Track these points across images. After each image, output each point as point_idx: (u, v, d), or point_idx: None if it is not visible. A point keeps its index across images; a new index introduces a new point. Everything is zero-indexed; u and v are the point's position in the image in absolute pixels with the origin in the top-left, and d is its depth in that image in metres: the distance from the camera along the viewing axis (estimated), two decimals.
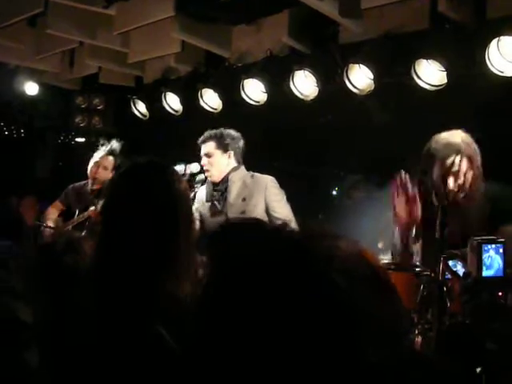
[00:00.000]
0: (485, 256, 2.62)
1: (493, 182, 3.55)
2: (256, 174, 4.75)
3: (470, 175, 3.42)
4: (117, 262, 1.91)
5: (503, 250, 2.65)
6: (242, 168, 4.79)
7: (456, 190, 3.38)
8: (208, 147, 4.71)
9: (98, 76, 7.34)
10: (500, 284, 2.65)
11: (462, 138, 3.46)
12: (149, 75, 7.05)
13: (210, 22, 5.85)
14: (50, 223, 5.77)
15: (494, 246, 2.65)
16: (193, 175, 4.67)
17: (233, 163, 4.74)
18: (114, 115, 7.80)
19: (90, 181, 5.73)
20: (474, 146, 3.48)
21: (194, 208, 4.75)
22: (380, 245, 5.05)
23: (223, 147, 4.70)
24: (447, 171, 3.38)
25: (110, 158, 5.75)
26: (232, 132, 4.77)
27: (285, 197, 4.68)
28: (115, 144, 5.80)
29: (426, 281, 3.02)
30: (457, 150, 3.39)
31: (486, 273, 2.61)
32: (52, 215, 5.88)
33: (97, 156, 5.75)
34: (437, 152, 3.42)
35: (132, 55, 6.48)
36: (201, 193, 4.82)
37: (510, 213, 3.27)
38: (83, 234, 5.21)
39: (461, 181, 3.38)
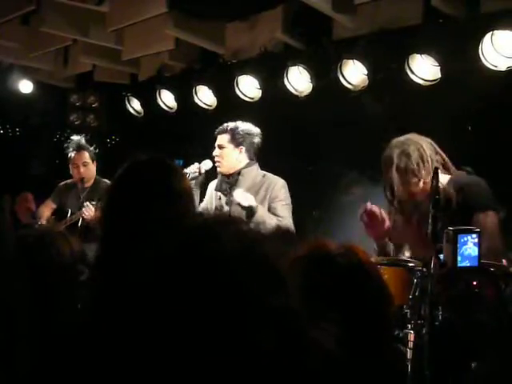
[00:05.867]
0: (460, 246, 2.66)
1: (465, 174, 3.62)
2: (268, 174, 4.77)
3: (412, 182, 3.58)
4: (119, 261, 1.90)
5: (478, 240, 2.69)
6: (256, 166, 4.80)
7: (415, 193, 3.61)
8: (222, 139, 4.74)
9: (93, 74, 7.33)
10: (475, 274, 2.69)
11: (397, 148, 3.62)
12: (143, 72, 7.04)
13: (204, 19, 5.83)
14: (43, 221, 5.74)
15: (469, 236, 2.68)
16: (207, 172, 4.70)
17: (244, 159, 4.75)
18: (108, 113, 7.78)
19: (78, 182, 5.72)
20: (416, 153, 3.59)
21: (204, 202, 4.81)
22: None
23: (236, 141, 4.71)
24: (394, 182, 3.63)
25: (84, 153, 5.74)
26: (249, 127, 4.77)
27: (289, 201, 4.69)
28: (77, 138, 5.79)
29: (418, 276, 3.01)
30: (390, 164, 3.60)
31: (461, 263, 2.65)
32: (44, 214, 5.86)
33: (71, 157, 5.74)
34: (382, 164, 3.69)
35: (126, 52, 6.47)
36: (212, 184, 4.86)
37: (478, 197, 3.36)
38: (77, 234, 5.21)
39: (411, 189, 3.60)
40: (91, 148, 5.83)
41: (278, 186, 4.66)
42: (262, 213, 4.46)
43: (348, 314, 1.46)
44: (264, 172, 4.79)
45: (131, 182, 2.06)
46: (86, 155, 5.74)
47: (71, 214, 5.64)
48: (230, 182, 4.71)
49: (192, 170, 4.63)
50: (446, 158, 3.67)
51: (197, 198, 4.55)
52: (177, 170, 2.16)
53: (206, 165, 4.71)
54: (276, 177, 4.74)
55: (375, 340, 1.48)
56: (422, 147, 3.60)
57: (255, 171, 4.76)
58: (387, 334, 1.54)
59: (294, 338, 0.93)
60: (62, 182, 6.00)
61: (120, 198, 2.06)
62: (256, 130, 4.79)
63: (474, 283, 2.72)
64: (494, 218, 3.43)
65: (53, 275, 1.94)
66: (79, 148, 5.74)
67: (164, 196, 2.00)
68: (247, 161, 4.76)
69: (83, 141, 5.80)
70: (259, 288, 0.89)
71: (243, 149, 4.73)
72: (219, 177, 4.82)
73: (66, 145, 5.90)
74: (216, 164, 4.73)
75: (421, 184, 3.56)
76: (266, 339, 0.89)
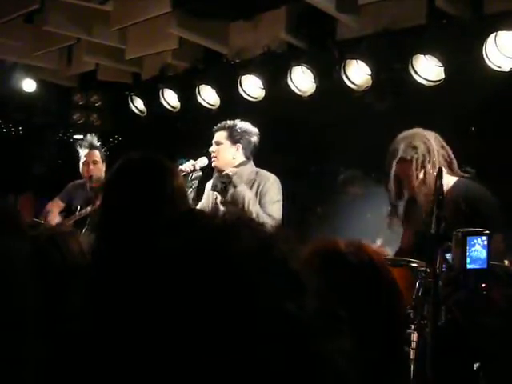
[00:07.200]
0: (469, 248, 2.64)
1: (474, 183, 3.60)
2: (261, 171, 4.75)
3: (416, 175, 3.61)
4: (115, 257, 1.90)
5: (488, 242, 2.67)
6: (250, 164, 4.77)
7: (415, 188, 3.64)
8: (219, 136, 4.74)
9: (96, 73, 7.34)
10: (484, 276, 2.67)
11: (403, 141, 3.67)
12: (146, 72, 7.04)
13: (208, 18, 5.83)
14: (50, 220, 5.76)
15: (479, 238, 2.66)
16: (202, 169, 4.70)
17: (240, 157, 4.73)
18: (111, 112, 7.79)
19: (87, 180, 5.76)
20: (422, 146, 3.62)
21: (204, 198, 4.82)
22: (379, 241, 5.03)
23: (233, 139, 4.71)
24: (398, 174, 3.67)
25: (95, 151, 5.81)
26: (247, 126, 4.76)
27: (280, 198, 4.64)
28: (91, 138, 5.87)
29: (422, 276, 3.01)
30: (394, 156, 3.64)
31: (470, 265, 2.63)
32: (51, 212, 5.87)
33: (82, 154, 5.81)
34: (388, 157, 3.71)
35: (129, 52, 6.47)
36: (209, 183, 4.85)
37: (486, 216, 3.32)
38: (84, 230, 5.21)
39: (413, 182, 3.63)
40: (103, 151, 5.94)
41: (269, 183, 4.63)
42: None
43: (359, 313, 1.45)
44: (257, 169, 4.76)
45: (124, 180, 2.08)
46: (97, 154, 5.83)
47: (80, 210, 5.67)
48: (225, 181, 4.71)
49: (187, 166, 4.64)
50: (451, 154, 3.68)
51: (191, 195, 4.56)
52: (169, 168, 2.17)
53: (202, 161, 4.70)
54: (268, 173, 4.72)
55: (387, 340, 1.47)
56: (428, 140, 3.63)
57: (249, 169, 4.74)
58: (399, 333, 1.53)
59: (305, 357, 0.90)
60: (71, 182, 6.03)
61: (112, 195, 2.07)
62: (254, 129, 4.79)
63: (483, 285, 2.71)
64: (500, 240, 3.40)
65: (64, 275, 1.94)
66: (91, 146, 5.83)
67: (156, 194, 2.02)
68: (243, 159, 4.75)
69: (96, 140, 5.88)
70: (276, 291, 0.87)
71: (240, 147, 4.72)
72: (214, 175, 4.81)
73: (79, 142, 5.97)
74: (212, 160, 4.73)
75: (426, 176, 3.57)
76: (275, 350, 0.87)
